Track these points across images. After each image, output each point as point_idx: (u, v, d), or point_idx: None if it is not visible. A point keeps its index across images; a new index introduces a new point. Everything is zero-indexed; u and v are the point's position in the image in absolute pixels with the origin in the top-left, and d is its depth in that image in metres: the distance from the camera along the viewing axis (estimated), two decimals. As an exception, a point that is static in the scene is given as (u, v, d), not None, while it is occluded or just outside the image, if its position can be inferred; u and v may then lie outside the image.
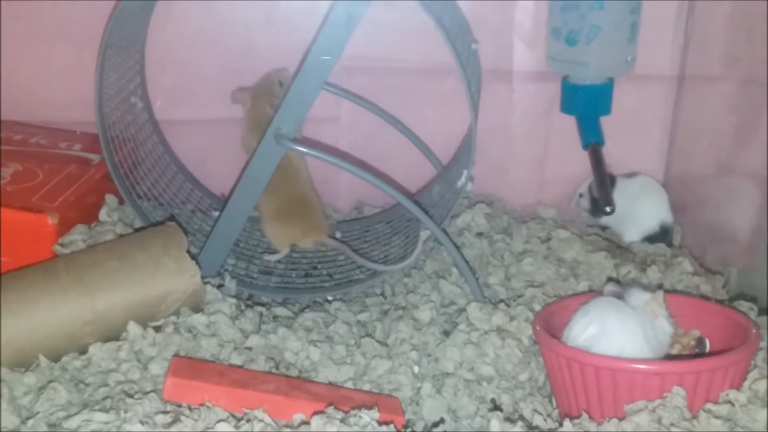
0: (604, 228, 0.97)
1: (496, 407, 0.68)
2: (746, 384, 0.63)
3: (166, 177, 0.92)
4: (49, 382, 0.61)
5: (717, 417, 0.59)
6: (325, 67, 0.74)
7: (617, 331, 0.64)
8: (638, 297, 0.68)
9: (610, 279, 0.84)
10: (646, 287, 0.71)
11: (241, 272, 0.85)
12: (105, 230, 0.77)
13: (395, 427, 0.59)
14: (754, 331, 0.65)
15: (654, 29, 0.95)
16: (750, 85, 0.87)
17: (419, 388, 0.69)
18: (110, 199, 0.82)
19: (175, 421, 0.54)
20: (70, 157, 0.84)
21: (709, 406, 0.60)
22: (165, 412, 0.56)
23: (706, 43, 0.95)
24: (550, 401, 0.70)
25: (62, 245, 0.74)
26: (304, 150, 0.75)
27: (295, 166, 0.85)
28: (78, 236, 0.75)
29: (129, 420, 0.54)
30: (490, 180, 1.00)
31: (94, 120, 0.81)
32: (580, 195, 0.97)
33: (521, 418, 0.64)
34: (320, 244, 0.87)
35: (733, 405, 0.60)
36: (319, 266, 0.89)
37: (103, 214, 0.80)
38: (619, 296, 0.69)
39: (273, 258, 0.87)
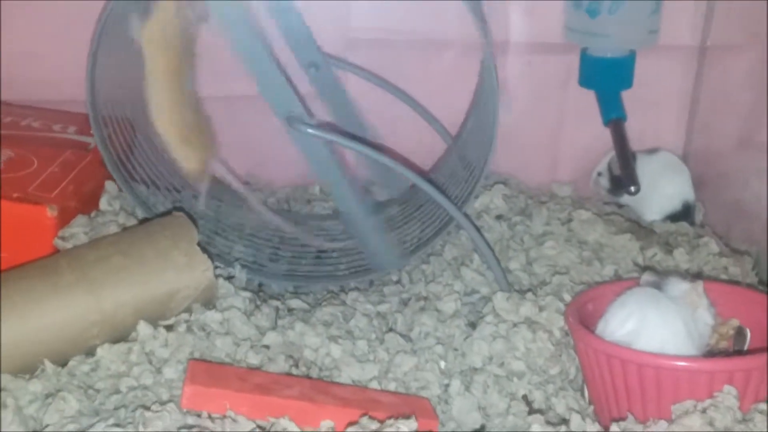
0: (621, 206, 0.94)
1: (528, 404, 0.64)
2: (797, 380, 0.59)
3: (165, 159, 0.87)
4: (58, 391, 0.57)
5: (772, 418, 0.56)
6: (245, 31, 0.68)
7: (658, 325, 0.61)
8: (677, 287, 0.64)
9: (636, 263, 0.80)
10: (684, 276, 0.67)
11: (250, 259, 0.81)
12: (107, 221, 0.73)
13: (430, 432, 0.56)
14: (800, 322, 0.62)
15: (675, -2, 0.91)
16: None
17: (447, 386, 0.65)
18: (110, 186, 0.77)
19: (199, 436, 0.50)
20: (66, 141, 0.79)
21: (762, 406, 0.57)
22: (187, 427, 0.51)
23: (730, 11, 0.91)
24: (582, 395, 0.67)
25: (63, 238, 0.69)
26: (326, 135, 0.70)
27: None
28: (79, 228, 0.70)
29: (149, 437, 0.50)
30: (503, 157, 0.96)
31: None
32: (599, 174, 0.94)
33: (564, 422, 0.60)
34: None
35: (786, 404, 0.57)
36: (328, 251, 0.85)
37: (103, 203, 0.76)
38: (657, 286, 0.65)
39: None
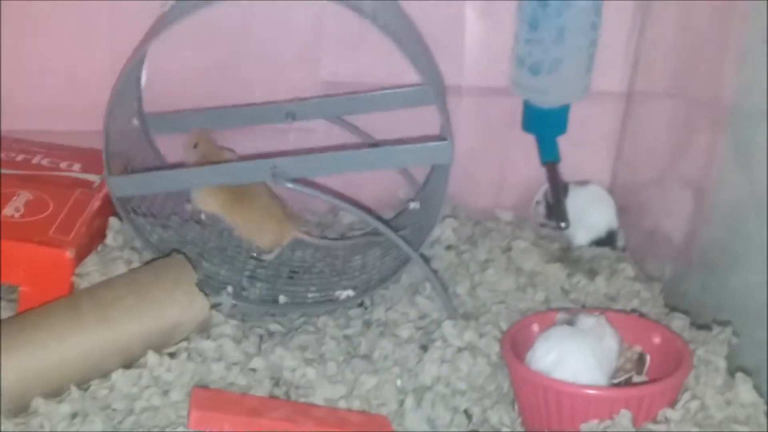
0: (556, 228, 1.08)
1: (468, 416, 0.79)
2: (680, 403, 0.75)
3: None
4: (86, 415, 0.70)
5: (657, 436, 0.71)
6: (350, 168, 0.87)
7: (574, 358, 0.76)
8: (585, 321, 0.79)
9: (563, 289, 0.95)
10: (591, 313, 0.81)
11: (233, 282, 0.93)
12: (114, 257, 0.85)
13: (388, 446, 0.70)
14: (688, 354, 0.77)
15: (606, 50, 1.04)
16: (689, 102, 0.98)
17: (402, 401, 0.79)
18: (114, 222, 0.89)
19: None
20: (74, 180, 0.90)
21: (649, 425, 0.72)
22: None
23: (653, 63, 1.05)
24: (513, 407, 0.81)
25: (79, 275, 0.81)
26: (302, 189, 0.83)
27: None
28: (92, 267, 0.82)
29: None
30: (456, 184, 1.09)
31: (85, 127, 0.90)
32: (537, 202, 1.07)
33: (492, 427, 0.74)
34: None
35: (668, 423, 0.72)
36: (300, 272, 0.98)
37: (109, 238, 0.88)
38: (570, 322, 0.80)
39: (269, 257, 0.96)
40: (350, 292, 0.92)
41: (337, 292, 0.92)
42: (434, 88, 0.84)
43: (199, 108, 1.00)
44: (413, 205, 0.94)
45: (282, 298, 0.92)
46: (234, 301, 0.89)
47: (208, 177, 0.86)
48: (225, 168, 0.86)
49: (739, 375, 0.78)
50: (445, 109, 0.86)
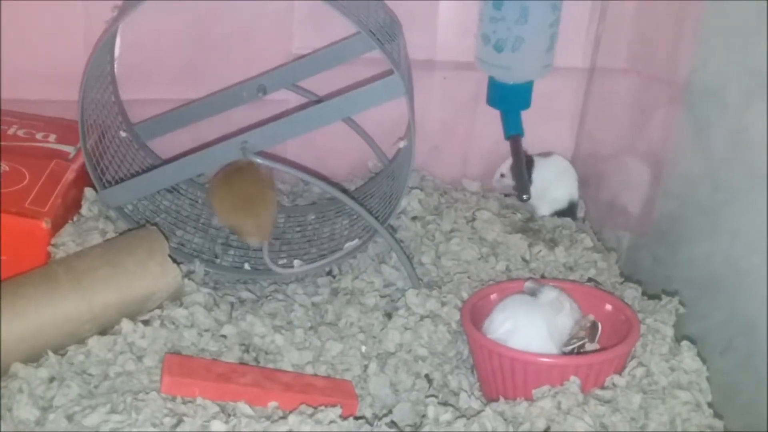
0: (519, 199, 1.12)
1: (429, 381, 0.83)
2: (627, 370, 0.79)
3: (129, 158, 1.01)
4: (63, 380, 0.73)
5: (603, 401, 0.75)
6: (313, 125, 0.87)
7: (527, 327, 0.80)
8: (548, 294, 0.83)
9: (524, 259, 0.99)
10: (554, 288, 0.85)
11: (205, 250, 0.97)
12: (90, 227, 0.87)
13: (351, 410, 0.74)
14: (636, 324, 0.81)
15: (570, 28, 1.07)
16: (648, 79, 1.01)
17: (366, 367, 0.83)
18: (89, 193, 0.91)
19: (180, 422, 0.67)
20: (49, 151, 0.92)
21: (596, 391, 0.76)
22: (168, 411, 0.68)
23: (614, 41, 1.08)
24: (472, 372, 0.85)
25: (55, 246, 0.84)
26: (268, 163, 0.86)
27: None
28: (68, 237, 0.85)
29: (141, 422, 0.67)
30: (423, 155, 1.13)
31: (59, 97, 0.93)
32: (502, 175, 1.11)
33: (451, 392, 0.79)
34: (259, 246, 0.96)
35: (614, 389, 0.77)
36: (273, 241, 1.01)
37: (84, 209, 0.90)
38: (534, 292, 0.84)
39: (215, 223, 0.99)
40: (356, 242, 0.96)
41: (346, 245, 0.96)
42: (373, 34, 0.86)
43: (176, 108, 1.04)
44: (402, 144, 0.97)
45: (246, 266, 0.94)
46: (206, 269, 0.92)
47: (189, 168, 0.90)
48: (202, 155, 0.89)
49: (685, 343, 0.83)
50: (388, 50, 0.88)
